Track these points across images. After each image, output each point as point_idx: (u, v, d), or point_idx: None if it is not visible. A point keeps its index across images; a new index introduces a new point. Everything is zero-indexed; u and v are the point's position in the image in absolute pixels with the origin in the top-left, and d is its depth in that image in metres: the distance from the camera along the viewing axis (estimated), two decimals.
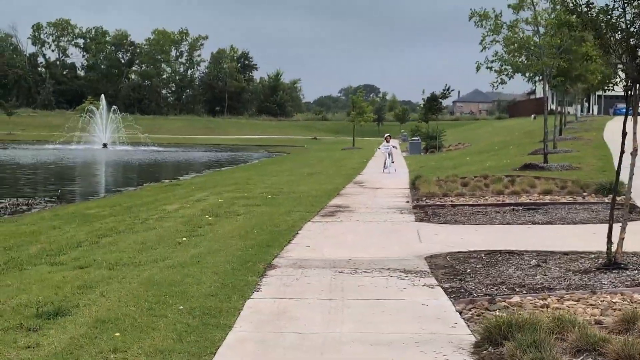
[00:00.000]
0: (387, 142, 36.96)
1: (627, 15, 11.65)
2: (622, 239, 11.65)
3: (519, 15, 30.89)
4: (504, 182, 25.39)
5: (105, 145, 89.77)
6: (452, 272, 11.68)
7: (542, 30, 30.77)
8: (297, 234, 16.01)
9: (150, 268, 12.00)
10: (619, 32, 11.80)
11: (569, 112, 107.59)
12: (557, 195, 22.35)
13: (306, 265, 12.30)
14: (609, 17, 11.77)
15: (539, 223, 17.44)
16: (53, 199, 31.42)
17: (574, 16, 12.20)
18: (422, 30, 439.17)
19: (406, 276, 11.34)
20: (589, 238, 14.91)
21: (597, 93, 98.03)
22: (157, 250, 13.99)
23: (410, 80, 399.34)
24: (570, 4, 12.12)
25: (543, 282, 10.75)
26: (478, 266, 12.16)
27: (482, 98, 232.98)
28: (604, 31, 11.90)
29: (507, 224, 17.50)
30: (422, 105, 77.34)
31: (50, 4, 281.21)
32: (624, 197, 12.69)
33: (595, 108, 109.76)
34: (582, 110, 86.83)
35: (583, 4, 11.99)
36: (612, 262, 11.59)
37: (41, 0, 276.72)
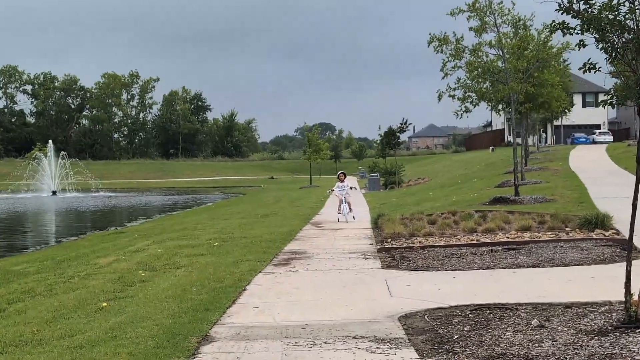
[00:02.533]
0: (342, 181, 29.42)
1: (637, 12, 9.41)
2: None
3: (482, 38, 28.81)
4: (475, 219, 23.14)
5: (54, 192, 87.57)
6: (436, 339, 9.25)
7: (506, 54, 28.62)
8: (244, 290, 13.53)
9: (51, 350, 9.47)
10: (628, 32, 9.53)
11: (526, 143, 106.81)
12: (537, 231, 20.06)
13: (252, 335, 9.82)
14: (614, 14, 9.51)
15: (524, 266, 15.06)
16: None
17: (569, 15, 9.89)
18: (375, 68, 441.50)
19: (378, 347, 8.91)
20: (588, 284, 12.76)
21: (555, 123, 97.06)
22: (70, 321, 11.45)
23: (366, 118, 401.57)
24: (565, 1, 9.83)
25: (555, 353, 8.26)
26: (466, 328, 9.75)
27: (438, 132, 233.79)
28: (609, 32, 9.63)
29: (488, 268, 15.08)
30: (378, 142, 75.96)
31: None
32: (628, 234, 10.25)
33: (552, 138, 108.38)
34: (539, 141, 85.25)
35: (581, 1, 9.73)
36: (633, 319, 9.24)
37: None
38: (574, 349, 8.39)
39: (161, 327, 10.30)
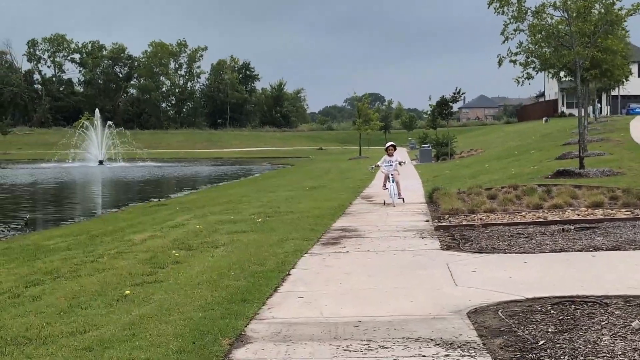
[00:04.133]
0: (390, 155, 23.94)
1: None
2: None
3: None
4: (539, 193, 21.44)
5: (101, 162, 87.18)
6: (516, 345, 7.64)
7: (571, 16, 26.61)
8: (288, 275, 12.00)
9: (55, 352, 8.00)
10: None
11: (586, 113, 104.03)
12: (610, 208, 18.31)
13: (295, 336, 8.28)
14: None
15: (602, 249, 13.32)
16: (20, 226, 27.76)
17: None
18: (427, 39, 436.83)
19: (447, 356, 7.32)
20: None
21: (612, 93, 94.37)
22: (87, 311, 10.00)
23: (416, 89, 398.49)
24: None
25: None
26: (550, 329, 8.14)
27: (488, 103, 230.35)
28: None
29: (562, 250, 13.39)
30: (429, 112, 74.33)
31: (45, 20, 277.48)
32: None
33: (607, 109, 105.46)
34: (593, 112, 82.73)
35: None
36: None
37: (36, 17, 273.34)
38: None
39: (189, 323, 8.80)
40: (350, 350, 7.61)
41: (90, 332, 8.76)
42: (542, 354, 7.28)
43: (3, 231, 26.18)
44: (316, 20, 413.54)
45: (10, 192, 46.97)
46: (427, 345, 7.70)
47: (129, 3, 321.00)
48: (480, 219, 17.89)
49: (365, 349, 7.63)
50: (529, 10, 26.81)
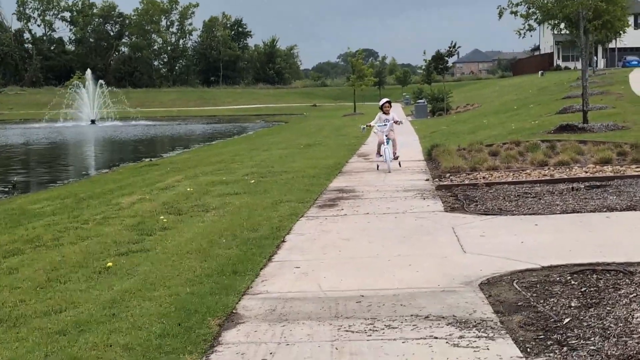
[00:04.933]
0: (386, 113, 21.23)
1: None
2: None
3: None
4: (542, 150, 20.65)
5: (93, 121, 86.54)
6: (538, 323, 6.84)
7: None
8: (284, 242, 11.20)
9: (25, 336, 7.18)
10: None
11: (575, 67, 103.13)
12: (619, 165, 17.49)
13: (291, 313, 7.47)
14: None
15: (617, 209, 12.47)
16: (7, 189, 26.98)
17: None
18: None
19: (461, 337, 6.52)
20: None
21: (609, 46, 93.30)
22: (66, 286, 9.19)
23: (409, 44, 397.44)
24: None
25: None
26: (573, 303, 7.35)
27: (482, 57, 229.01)
28: None
29: (574, 211, 12.55)
30: (424, 67, 73.46)
31: None
32: None
33: (603, 62, 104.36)
34: (590, 64, 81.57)
35: None
36: None
37: None
38: None
39: (174, 301, 7.99)
40: (352, 332, 6.81)
41: (66, 311, 7.95)
42: (569, 334, 6.48)
43: None
44: None
45: (6, 152, 46.16)
46: (439, 324, 6.90)
47: None
48: (484, 178, 17.08)
49: (370, 330, 6.83)
50: None
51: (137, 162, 35.06)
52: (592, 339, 6.32)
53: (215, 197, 16.48)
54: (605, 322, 6.69)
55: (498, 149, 21.83)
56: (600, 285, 7.95)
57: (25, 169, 37.89)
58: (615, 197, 13.61)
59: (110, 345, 6.69)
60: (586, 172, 16.70)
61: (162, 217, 13.93)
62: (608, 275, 8.31)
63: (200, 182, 19.79)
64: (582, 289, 7.84)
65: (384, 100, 21.87)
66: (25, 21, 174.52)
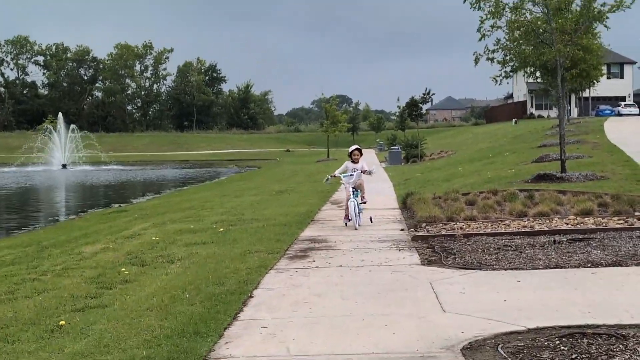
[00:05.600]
0: (355, 162, 18.87)
1: None
2: None
3: None
4: (521, 199, 20.12)
5: (64, 165, 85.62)
6: None
7: (551, 12, 25.19)
8: (251, 297, 10.48)
9: None
10: None
11: (549, 116, 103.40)
12: (600, 216, 16.94)
13: None
14: None
15: (602, 264, 11.88)
16: None
17: None
18: (394, 41, 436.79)
19: None
20: None
21: (583, 95, 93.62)
22: (15, 346, 8.48)
23: (383, 90, 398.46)
24: None
25: None
26: None
27: (455, 105, 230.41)
28: None
29: (557, 266, 11.92)
30: (397, 113, 73.44)
31: (8, 21, 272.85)
32: None
33: (576, 110, 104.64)
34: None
35: None
36: None
37: None
38: None
39: None
40: None
41: None
42: None
43: None
44: (284, 23, 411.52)
45: None
46: None
47: (96, 4, 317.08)
48: (461, 228, 16.49)
49: None
50: (506, 6, 25.42)
51: (106, 208, 34.30)
52: None
53: (182, 247, 15.78)
54: None
55: (475, 198, 21.27)
56: (592, 351, 7.31)
57: None
58: (599, 251, 13.02)
59: None
60: (567, 224, 16.13)
61: (123, 269, 13.20)
62: (599, 339, 7.67)
63: (167, 231, 19.10)
64: (573, 356, 7.19)
65: (353, 147, 19.35)
66: None
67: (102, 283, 12.12)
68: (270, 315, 9.39)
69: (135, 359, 7.56)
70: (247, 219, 20.87)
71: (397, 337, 8.15)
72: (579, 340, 7.67)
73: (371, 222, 18.48)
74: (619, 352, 7.21)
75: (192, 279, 11.82)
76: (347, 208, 18.47)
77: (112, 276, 12.72)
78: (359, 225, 17.82)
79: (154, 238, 17.59)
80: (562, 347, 7.49)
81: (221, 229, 18.50)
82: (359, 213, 18.01)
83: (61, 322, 9.35)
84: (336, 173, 19.23)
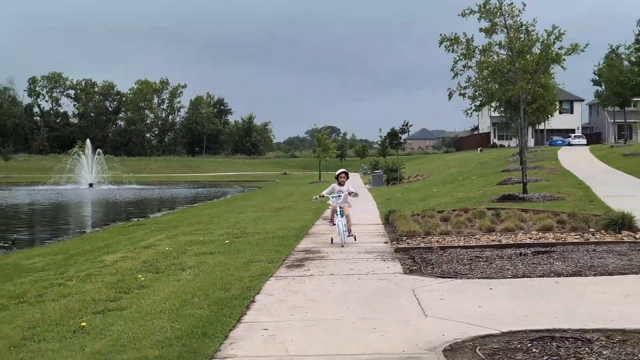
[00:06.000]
0: (341, 184, 17.89)
1: None
2: None
3: (492, 38, 25.31)
4: (489, 217, 19.76)
5: (91, 185, 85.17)
6: None
7: (515, 54, 25.04)
8: (253, 302, 10.12)
9: None
10: None
11: (509, 145, 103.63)
12: (559, 232, 16.63)
13: None
14: None
15: (564, 274, 11.56)
16: (7, 244, 25.71)
17: None
18: (377, 80, 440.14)
19: None
20: None
21: (538, 127, 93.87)
22: (41, 345, 8.11)
23: (367, 122, 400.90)
24: None
25: None
26: None
27: (429, 135, 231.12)
28: None
29: (524, 276, 11.60)
30: (379, 142, 73.24)
31: (44, 60, 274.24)
32: None
33: (532, 140, 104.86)
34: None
35: None
36: None
37: (36, 57, 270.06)
38: None
39: None
40: None
41: None
42: None
43: None
44: (283, 64, 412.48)
45: (5, 212, 44.66)
46: None
47: (120, 46, 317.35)
48: (437, 241, 16.14)
49: None
50: (476, 49, 25.24)
51: (126, 222, 33.89)
52: None
53: (192, 257, 15.40)
54: None
55: (449, 215, 20.94)
56: (561, 353, 6.98)
57: (27, 226, 36.53)
58: (560, 262, 12.70)
59: None
60: (530, 239, 15.81)
61: (140, 276, 12.83)
62: (567, 342, 7.34)
63: (179, 242, 18.71)
64: (544, 358, 6.86)
65: (340, 170, 18.34)
66: (34, 97, 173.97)
67: (120, 288, 11.76)
68: (270, 319, 9.05)
69: (149, 358, 7.21)
70: (249, 232, 20.51)
71: (385, 339, 7.81)
72: (549, 344, 7.34)
73: (355, 240, 17.31)
74: (585, 355, 6.89)
75: (201, 285, 11.46)
76: (332, 216, 17.66)
77: (129, 282, 12.36)
78: (345, 243, 16.71)
79: (167, 248, 17.23)
80: (533, 350, 7.16)
81: (227, 241, 18.15)
82: (344, 232, 16.81)
83: (83, 324, 9.00)
84: (324, 193, 18.25)
